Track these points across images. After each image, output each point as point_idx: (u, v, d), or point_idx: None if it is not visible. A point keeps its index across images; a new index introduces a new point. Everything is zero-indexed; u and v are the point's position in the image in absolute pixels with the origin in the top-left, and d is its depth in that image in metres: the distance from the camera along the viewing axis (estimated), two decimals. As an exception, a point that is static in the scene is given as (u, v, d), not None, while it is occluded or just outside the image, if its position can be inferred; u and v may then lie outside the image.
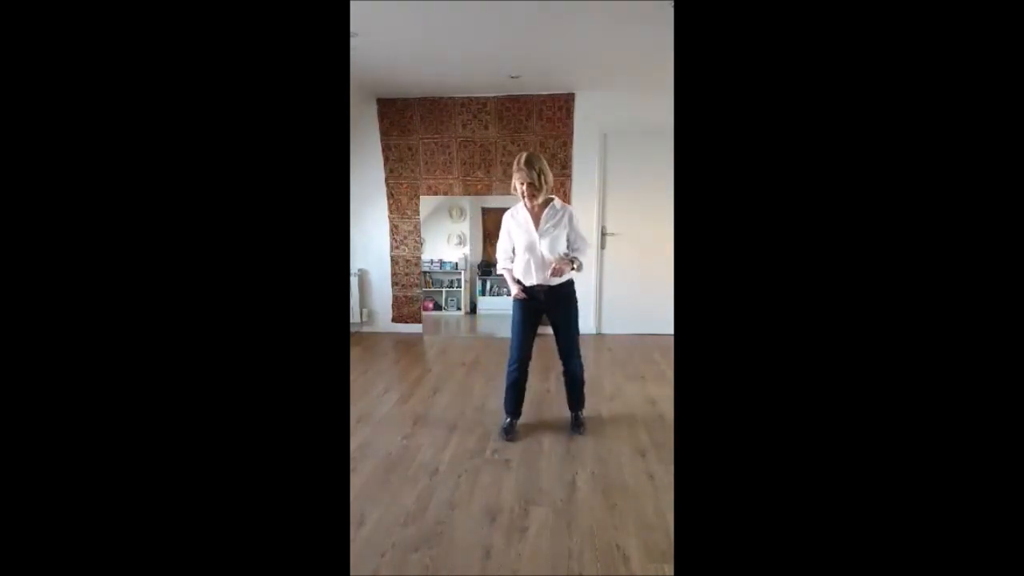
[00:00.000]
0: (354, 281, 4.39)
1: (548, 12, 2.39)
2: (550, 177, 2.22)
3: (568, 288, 2.36)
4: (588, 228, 4.23)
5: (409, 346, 4.12)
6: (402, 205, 4.34)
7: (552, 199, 2.30)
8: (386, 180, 4.30)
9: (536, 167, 2.16)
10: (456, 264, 4.49)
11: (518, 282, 2.35)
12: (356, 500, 1.96)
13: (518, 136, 4.11)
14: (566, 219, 2.27)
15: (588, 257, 2.27)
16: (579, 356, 2.46)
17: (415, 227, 4.37)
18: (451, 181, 4.25)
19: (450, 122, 4.15)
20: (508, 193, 3.15)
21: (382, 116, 4.18)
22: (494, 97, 4.07)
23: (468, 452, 2.33)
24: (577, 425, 2.53)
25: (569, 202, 4.19)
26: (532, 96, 4.04)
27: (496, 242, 2.42)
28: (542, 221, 2.26)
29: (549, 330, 2.38)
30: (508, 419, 2.49)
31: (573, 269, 2.28)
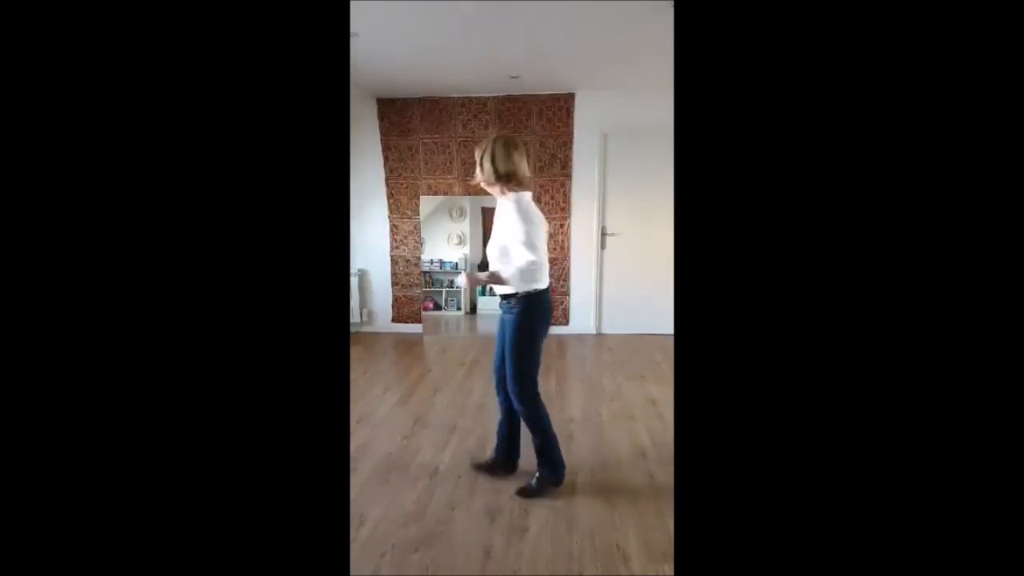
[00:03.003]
0: (354, 281, 4.39)
1: (548, 12, 2.39)
2: (499, 166, 1.80)
3: (516, 307, 1.88)
4: (588, 228, 4.23)
5: (409, 346, 4.12)
6: (402, 205, 4.34)
7: (509, 192, 1.86)
8: (386, 180, 4.30)
9: (484, 148, 1.83)
10: (456, 264, 4.49)
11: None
12: (356, 500, 1.96)
13: (518, 136, 4.11)
14: (506, 216, 1.84)
15: (509, 271, 1.80)
16: (521, 399, 1.93)
17: (415, 227, 4.37)
18: (451, 181, 4.26)
19: (450, 122, 4.15)
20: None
21: (382, 116, 4.18)
22: (494, 97, 4.07)
23: (468, 452, 2.33)
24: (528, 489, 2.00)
25: (569, 202, 4.20)
26: (532, 96, 4.04)
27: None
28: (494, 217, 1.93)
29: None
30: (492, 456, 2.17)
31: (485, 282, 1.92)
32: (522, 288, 1.84)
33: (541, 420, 1.96)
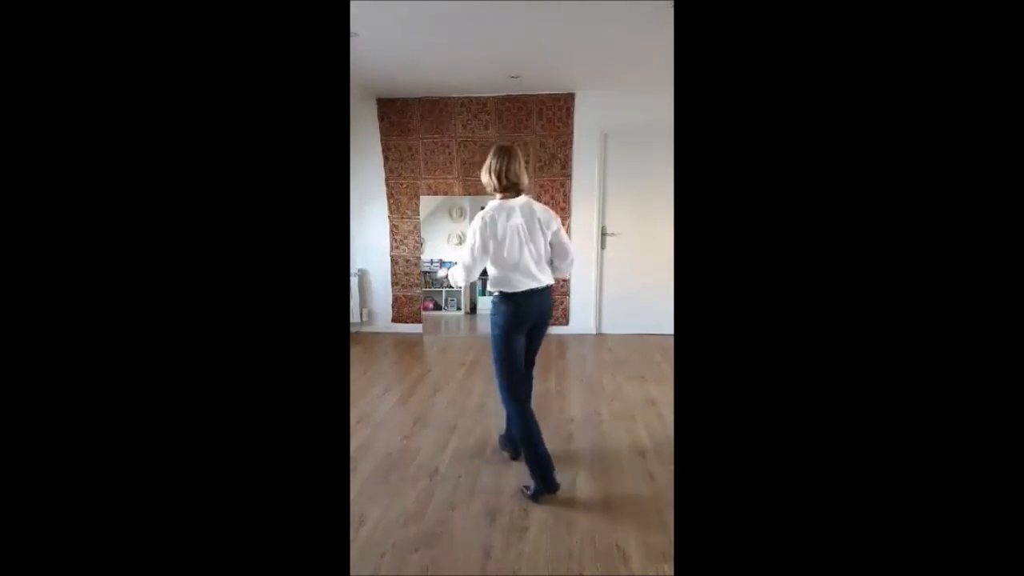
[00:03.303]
0: (354, 281, 4.39)
1: (548, 12, 2.39)
2: (482, 175, 1.98)
3: (491, 307, 2.03)
4: (588, 228, 4.24)
5: (409, 346, 4.12)
6: (402, 205, 4.34)
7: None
8: (386, 180, 4.30)
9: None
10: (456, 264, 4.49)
11: None
12: (356, 500, 1.96)
13: (518, 136, 4.11)
14: None
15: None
16: (505, 404, 2.03)
17: (415, 227, 4.36)
18: (451, 181, 4.25)
19: (450, 122, 4.15)
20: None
21: (382, 116, 4.18)
22: (494, 97, 4.07)
23: (468, 452, 2.33)
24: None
25: (569, 202, 4.21)
26: (532, 96, 4.04)
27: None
28: None
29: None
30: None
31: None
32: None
33: (521, 429, 1.95)
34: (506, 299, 1.94)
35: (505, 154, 1.93)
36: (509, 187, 1.93)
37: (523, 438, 1.96)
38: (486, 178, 1.96)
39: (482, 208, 1.95)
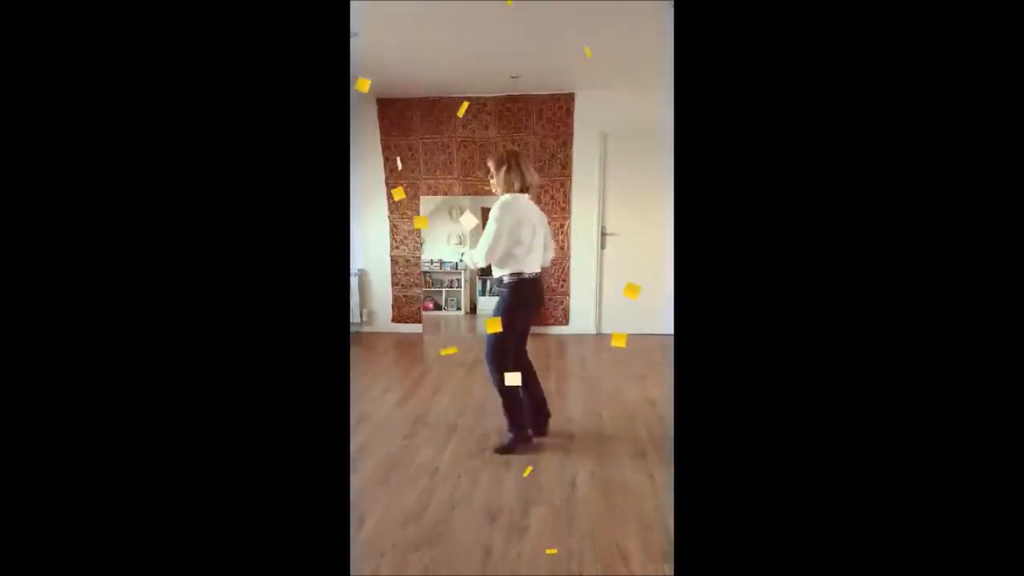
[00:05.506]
0: (354, 281, 4.39)
1: (548, 12, 2.39)
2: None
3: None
4: (588, 228, 4.24)
5: (409, 346, 4.12)
6: (402, 205, 4.34)
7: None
8: (386, 180, 4.30)
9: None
10: (456, 264, 4.49)
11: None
12: (356, 500, 1.96)
13: (518, 136, 4.11)
14: None
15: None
16: (491, 369, 2.23)
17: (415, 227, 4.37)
18: (451, 181, 4.26)
19: (450, 122, 4.15)
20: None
21: (382, 116, 4.18)
22: (494, 97, 4.07)
23: (468, 452, 2.33)
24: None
25: (569, 202, 4.21)
26: (532, 96, 4.04)
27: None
28: None
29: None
30: None
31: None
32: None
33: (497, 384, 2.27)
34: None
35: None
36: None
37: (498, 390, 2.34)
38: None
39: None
